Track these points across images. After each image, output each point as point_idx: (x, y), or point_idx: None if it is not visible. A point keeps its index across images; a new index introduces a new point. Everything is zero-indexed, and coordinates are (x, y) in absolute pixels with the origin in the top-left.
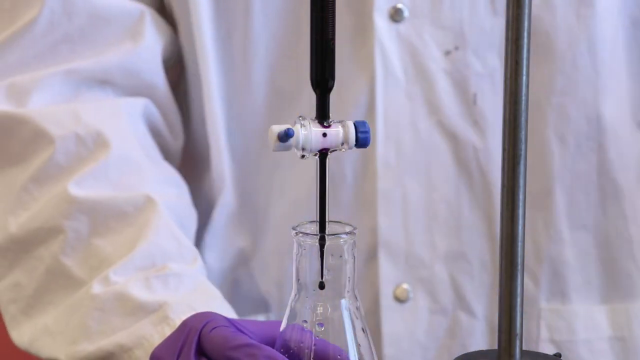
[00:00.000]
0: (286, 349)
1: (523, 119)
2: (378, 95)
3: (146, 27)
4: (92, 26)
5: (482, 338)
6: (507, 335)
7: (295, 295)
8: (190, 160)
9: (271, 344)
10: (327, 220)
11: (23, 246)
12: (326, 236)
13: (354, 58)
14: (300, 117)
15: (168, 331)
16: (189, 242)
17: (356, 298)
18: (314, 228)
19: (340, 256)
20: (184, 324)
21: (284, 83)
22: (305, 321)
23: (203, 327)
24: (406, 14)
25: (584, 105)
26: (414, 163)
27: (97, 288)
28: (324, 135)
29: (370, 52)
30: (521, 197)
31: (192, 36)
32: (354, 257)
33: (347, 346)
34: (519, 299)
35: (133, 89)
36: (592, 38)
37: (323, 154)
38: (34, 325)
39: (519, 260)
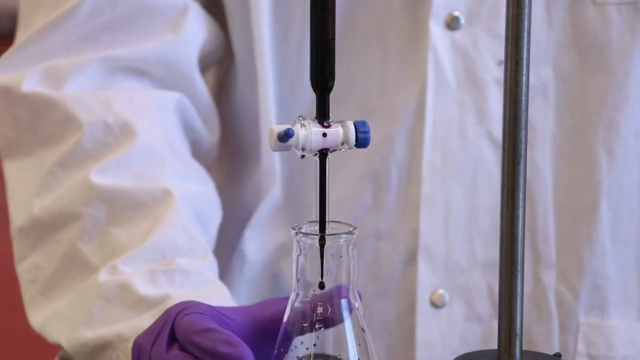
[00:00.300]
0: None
1: (523, 119)
2: (428, 100)
3: (188, 19)
4: (135, 16)
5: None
6: (507, 335)
7: (296, 295)
8: (239, 156)
9: (257, 326)
10: (327, 220)
11: (44, 228)
12: (326, 236)
13: (406, 63)
14: (300, 117)
15: None
16: (202, 238)
17: (356, 298)
18: (314, 228)
19: (340, 256)
20: (165, 311)
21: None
22: (305, 321)
23: (178, 313)
24: (462, 21)
25: (633, 119)
26: (460, 170)
27: (103, 276)
28: (324, 135)
29: (423, 57)
30: (521, 197)
31: (249, 34)
32: (354, 257)
33: (347, 346)
34: (518, 299)
35: (169, 82)
36: None
37: (323, 154)
38: (49, 308)
39: (519, 260)
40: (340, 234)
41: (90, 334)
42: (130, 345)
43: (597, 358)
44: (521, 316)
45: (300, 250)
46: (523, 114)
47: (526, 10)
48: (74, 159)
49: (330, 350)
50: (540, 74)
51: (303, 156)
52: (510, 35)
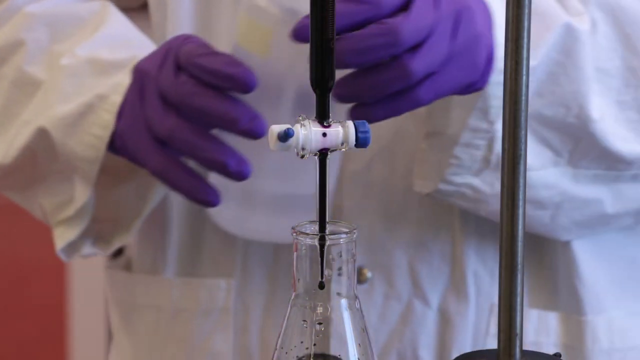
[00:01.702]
0: None
1: (523, 119)
2: None
3: None
4: None
5: (434, 328)
6: (507, 335)
7: (296, 295)
8: None
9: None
10: (327, 220)
11: None
12: (326, 236)
13: None
14: (300, 116)
15: None
16: (145, 36)
17: (356, 298)
18: (314, 228)
19: (340, 256)
20: (166, 42)
21: None
22: (305, 321)
23: (181, 42)
24: None
25: None
26: (382, 147)
27: (65, 61)
28: (324, 135)
29: None
30: (521, 197)
31: None
32: (354, 256)
33: (347, 346)
34: (518, 299)
35: None
36: None
37: (323, 154)
38: (5, 139)
39: (519, 260)
40: (340, 233)
41: (68, 106)
42: (109, 101)
43: None
44: (521, 316)
45: (300, 250)
46: (523, 114)
47: (526, 10)
48: (9, 13)
49: (330, 350)
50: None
51: (303, 156)
52: (510, 35)
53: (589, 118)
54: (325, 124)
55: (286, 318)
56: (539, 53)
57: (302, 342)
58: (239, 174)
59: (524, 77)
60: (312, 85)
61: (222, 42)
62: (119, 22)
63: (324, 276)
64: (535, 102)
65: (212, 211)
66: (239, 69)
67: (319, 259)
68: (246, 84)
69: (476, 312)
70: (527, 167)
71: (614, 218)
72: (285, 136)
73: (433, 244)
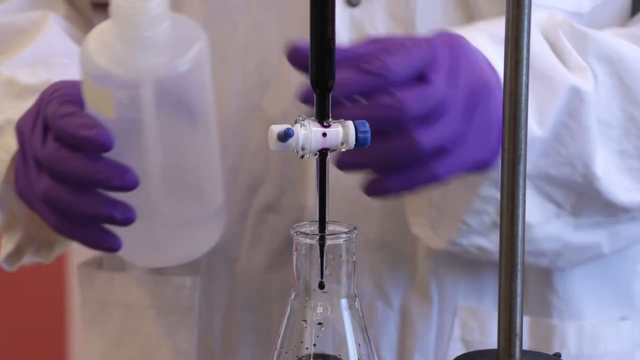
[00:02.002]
0: None
1: (523, 118)
2: None
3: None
4: None
5: (395, 329)
6: (507, 335)
7: (295, 295)
8: None
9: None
10: (327, 220)
11: None
12: (326, 236)
13: (304, 35)
14: (300, 116)
15: None
16: (77, 47)
17: (356, 297)
18: (314, 228)
19: (340, 256)
20: (40, 94)
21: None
22: (305, 321)
23: (49, 96)
24: None
25: None
26: None
27: None
28: (324, 135)
29: None
30: (521, 197)
31: None
32: (354, 256)
33: (347, 346)
34: (518, 299)
35: None
36: None
37: (323, 154)
38: None
39: (519, 260)
40: (340, 233)
41: None
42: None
43: (471, 343)
44: (521, 316)
45: (300, 250)
46: (523, 114)
47: (526, 10)
48: None
49: (330, 351)
50: None
51: (303, 156)
52: (510, 35)
53: (594, 176)
54: (325, 123)
55: (286, 318)
56: (547, 124)
57: (302, 342)
58: (127, 222)
59: (524, 77)
60: (312, 85)
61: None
62: (52, 35)
63: (324, 276)
64: (541, 162)
65: (120, 253)
66: (94, 131)
67: (319, 259)
68: (103, 145)
69: (439, 314)
70: (530, 223)
71: (608, 255)
72: (285, 136)
73: (395, 244)
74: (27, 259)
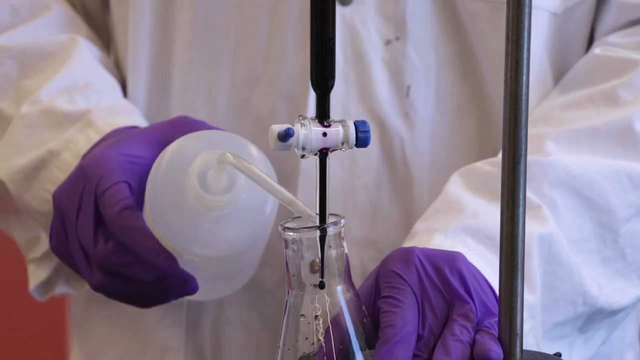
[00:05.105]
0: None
1: (523, 118)
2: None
3: None
4: None
5: None
6: (507, 335)
7: (291, 290)
8: None
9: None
10: (327, 219)
11: None
12: (315, 229)
13: (294, 33)
14: (300, 116)
15: (92, 134)
16: (109, 74)
17: (352, 286)
18: (300, 223)
19: (330, 247)
20: (79, 168)
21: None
22: (304, 315)
23: (96, 186)
24: None
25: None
26: None
27: (25, 108)
28: (324, 134)
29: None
30: (521, 197)
31: None
32: (343, 246)
33: (349, 336)
34: (519, 299)
35: None
36: None
37: (323, 153)
38: None
39: (519, 260)
40: (331, 224)
41: (23, 159)
42: (61, 158)
43: None
44: (521, 316)
45: (290, 246)
46: (523, 114)
47: (526, 10)
48: None
49: (332, 342)
50: (424, 56)
51: (303, 156)
52: (510, 35)
53: (593, 297)
54: (325, 123)
55: (285, 316)
56: (537, 287)
57: (306, 339)
58: (193, 292)
59: (524, 77)
60: (312, 85)
61: (180, 39)
62: (83, 61)
63: (324, 273)
64: (545, 315)
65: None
66: (160, 258)
67: (317, 252)
68: (167, 273)
69: None
70: None
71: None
72: (285, 136)
73: (384, 243)
74: (59, 289)
